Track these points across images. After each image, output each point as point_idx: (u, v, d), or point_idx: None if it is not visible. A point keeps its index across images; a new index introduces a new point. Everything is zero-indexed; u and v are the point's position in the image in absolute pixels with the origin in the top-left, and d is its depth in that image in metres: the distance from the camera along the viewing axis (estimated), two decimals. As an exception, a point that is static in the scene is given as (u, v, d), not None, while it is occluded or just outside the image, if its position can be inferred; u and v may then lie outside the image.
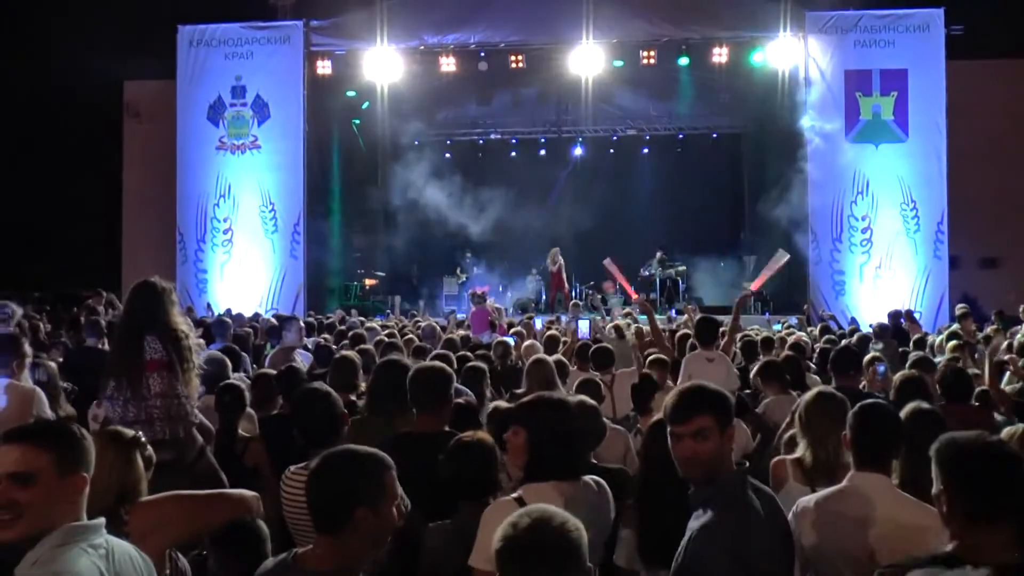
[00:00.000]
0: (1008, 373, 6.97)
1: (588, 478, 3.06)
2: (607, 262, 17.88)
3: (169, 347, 4.35)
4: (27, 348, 5.26)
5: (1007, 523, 2.26)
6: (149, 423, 4.20)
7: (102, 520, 2.39)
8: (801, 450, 3.75)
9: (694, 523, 2.68)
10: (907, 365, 6.21)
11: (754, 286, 13.68)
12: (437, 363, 4.44)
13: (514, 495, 2.90)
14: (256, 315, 13.93)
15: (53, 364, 6.01)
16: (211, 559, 3.14)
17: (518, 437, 3.04)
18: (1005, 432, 3.59)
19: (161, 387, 4.28)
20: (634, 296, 14.05)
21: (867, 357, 6.41)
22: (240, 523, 3.03)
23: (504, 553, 2.05)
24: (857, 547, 2.92)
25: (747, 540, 2.59)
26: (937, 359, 7.27)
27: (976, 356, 8.12)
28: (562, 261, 19.74)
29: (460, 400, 4.79)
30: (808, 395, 3.90)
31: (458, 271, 20.49)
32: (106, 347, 7.52)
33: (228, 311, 14.16)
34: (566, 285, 19.95)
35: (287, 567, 2.47)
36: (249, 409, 5.15)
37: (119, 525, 2.66)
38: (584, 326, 9.55)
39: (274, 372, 5.87)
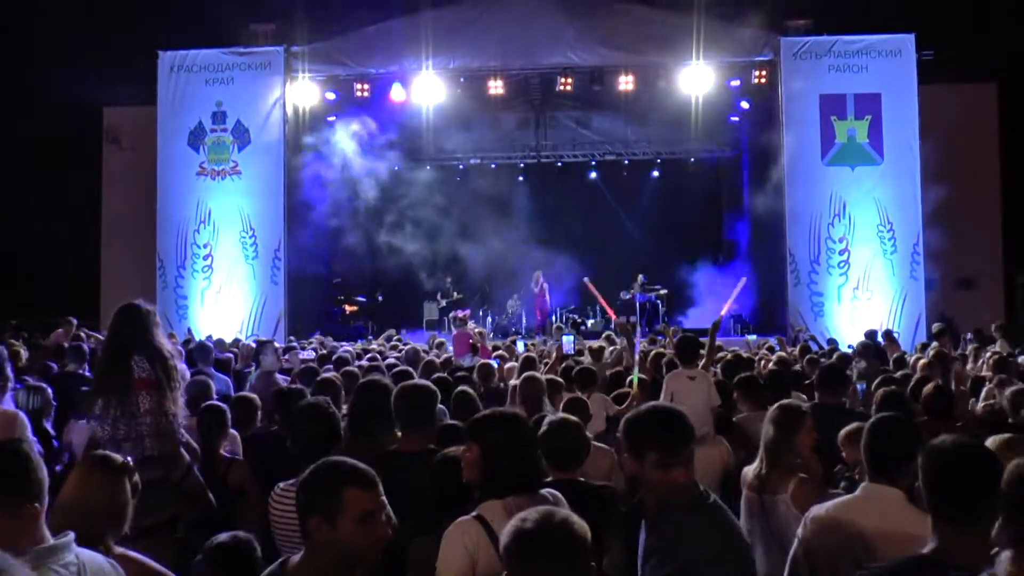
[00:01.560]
0: (984, 390, 7.07)
1: (546, 491, 3.07)
2: (586, 280, 17.74)
3: (156, 366, 4.40)
4: (8, 373, 5.24)
5: (985, 525, 2.28)
6: (139, 440, 4.24)
7: (70, 537, 2.37)
8: (757, 460, 3.85)
9: (679, 540, 2.74)
10: (875, 383, 6.29)
11: (723, 312, 13.67)
12: (422, 382, 4.48)
13: (473, 513, 2.93)
14: (236, 340, 13.88)
15: (48, 389, 5.93)
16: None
17: (471, 452, 3.08)
18: (990, 440, 3.65)
19: (150, 405, 4.33)
20: (613, 316, 14.09)
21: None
22: (234, 539, 3.04)
23: (513, 549, 2.11)
24: (866, 556, 2.97)
25: (741, 549, 2.69)
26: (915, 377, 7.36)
27: (953, 375, 8.22)
28: (544, 284, 19.87)
29: (447, 422, 4.84)
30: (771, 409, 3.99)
31: (439, 296, 20.51)
32: (86, 372, 7.51)
33: (209, 337, 14.12)
34: (546, 309, 20.07)
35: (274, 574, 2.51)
36: (232, 430, 5.17)
37: (102, 551, 2.65)
38: (568, 342, 9.61)
39: (255, 395, 5.90)
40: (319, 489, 2.47)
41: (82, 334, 11.10)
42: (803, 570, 3.13)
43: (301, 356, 9.82)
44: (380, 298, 21.37)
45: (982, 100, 18.49)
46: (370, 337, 17.46)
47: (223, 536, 3.14)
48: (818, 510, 3.20)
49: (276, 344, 9.11)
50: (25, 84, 20.35)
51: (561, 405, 5.54)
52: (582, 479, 3.86)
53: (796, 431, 3.84)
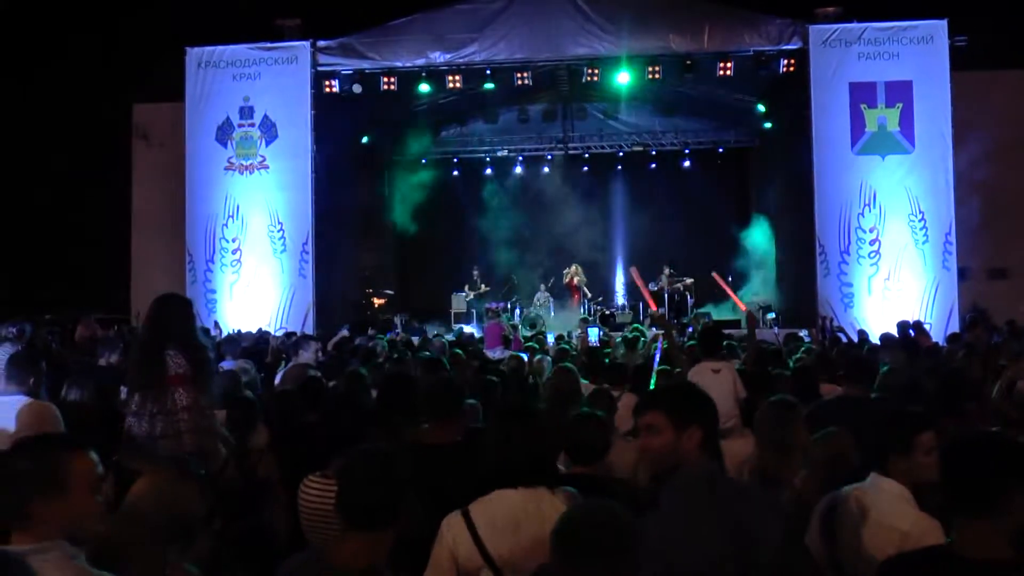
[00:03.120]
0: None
1: (562, 489, 3.07)
2: (633, 270, 17.15)
3: (191, 360, 4.42)
4: (42, 367, 5.29)
5: (1002, 518, 2.26)
6: (177, 437, 4.26)
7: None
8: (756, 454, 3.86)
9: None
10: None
11: (742, 307, 13.51)
12: (449, 375, 4.50)
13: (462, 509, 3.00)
14: (266, 334, 13.95)
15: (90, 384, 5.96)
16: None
17: None
18: None
19: (188, 400, 4.35)
20: (653, 307, 13.75)
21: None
22: (254, 526, 3.05)
23: (555, 539, 2.14)
24: (857, 543, 2.96)
25: (678, 535, 2.59)
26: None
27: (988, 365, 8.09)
28: (575, 279, 20.03)
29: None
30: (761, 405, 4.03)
31: (467, 288, 20.54)
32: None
33: (238, 331, 14.22)
34: (576, 302, 20.14)
35: (314, 564, 2.49)
36: (261, 423, 5.19)
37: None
38: (593, 333, 9.63)
39: (288, 388, 5.92)
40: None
41: (96, 326, 11.22)
42: (817, 551, 3.14)
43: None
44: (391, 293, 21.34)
45: (1017, 87, 18.17)
46: (398, 330, 17.54)
47: (242, 525, 3.15)
48: (834, 494, 3.23)
49: (317, 344, 8.94)
50: (55, 82, 20.60)
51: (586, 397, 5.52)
52: (594, 474, 3.87)
53: (786, 427, 3.88)
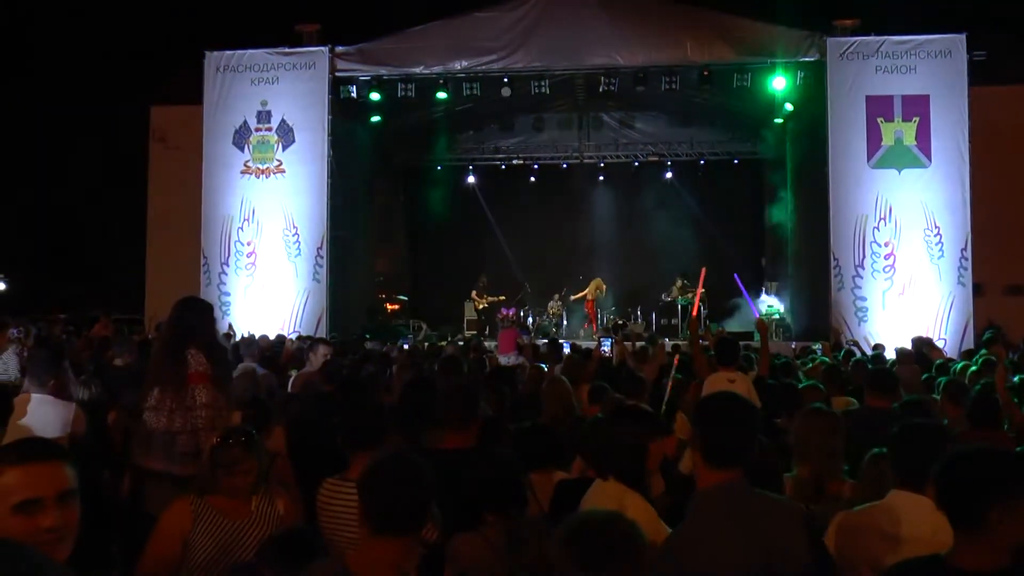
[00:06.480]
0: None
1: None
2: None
3: (212, 360, 4.47)
4: (66, 365, 5.35)
5: (996, 529, 2.25)
6: (194, 433, 4.31)
7: None
8: (794, 467, 3.82)
9: None
10: (940, 390, 6.18)
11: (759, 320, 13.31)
12: (464, 382, 4.52)
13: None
14: (280, 337, 13.99)
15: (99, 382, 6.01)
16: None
17: None
18: None
19: (207, 398, 4.40)
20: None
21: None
22: (295, 532, 3.07)
23: (567, 543, 2.10)
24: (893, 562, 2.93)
25: (704, 549, 2.56)
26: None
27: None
28: (599, 291, 20.05)
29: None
30: (801, 414, 3.99)
31: (473, 294, 20.56)
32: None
33: (251, 335, 14.23)
34: (594, 316, 20.15)
35: (338, 571, 2.47)
36: (276, 425, 5.22)
37: None
38: (607, 344, 9.63)
39: (298, 393, 5.96)
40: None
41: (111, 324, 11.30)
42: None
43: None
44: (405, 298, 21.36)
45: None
46: (411, 335, 17.58)
47: (278, 532, 3.16)
48: (845, 516, 3.17)
49: (326, 347, 8.95)
50: (74, 85, 20.76)
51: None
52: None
53: (833, 438, 3.86)
